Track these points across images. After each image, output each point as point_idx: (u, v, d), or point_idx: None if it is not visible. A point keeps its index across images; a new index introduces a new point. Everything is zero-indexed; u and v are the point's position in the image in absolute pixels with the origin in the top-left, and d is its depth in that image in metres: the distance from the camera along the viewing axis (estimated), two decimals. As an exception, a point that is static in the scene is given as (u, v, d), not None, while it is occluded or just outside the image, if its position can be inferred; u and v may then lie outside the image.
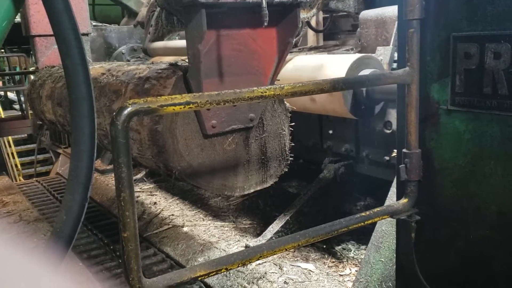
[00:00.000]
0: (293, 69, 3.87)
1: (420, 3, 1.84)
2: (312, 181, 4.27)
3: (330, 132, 4.20)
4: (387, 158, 3.68)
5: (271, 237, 3.75)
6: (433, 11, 1.86)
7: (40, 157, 10.33)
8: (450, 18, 1.82)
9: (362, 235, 3.83)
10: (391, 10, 3.84)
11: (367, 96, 3.48)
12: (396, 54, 3.59)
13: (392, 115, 3.59)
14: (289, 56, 3.92)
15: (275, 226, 3.86)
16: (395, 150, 2.13)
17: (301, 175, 5.06)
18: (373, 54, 3.72)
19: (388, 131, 3.63)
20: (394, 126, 3.56)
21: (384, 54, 3.60)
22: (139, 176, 6.08)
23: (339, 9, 4.34)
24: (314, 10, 3.88)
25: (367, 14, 4.04)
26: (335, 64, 3.54)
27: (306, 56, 3.99)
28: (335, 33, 4.78)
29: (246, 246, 3.77)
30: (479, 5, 1.72)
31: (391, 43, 3.67)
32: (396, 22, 3.68)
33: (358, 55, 3.51)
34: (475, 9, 1.73)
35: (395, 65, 3.57)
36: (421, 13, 1.85)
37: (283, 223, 3.86)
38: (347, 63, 3.41)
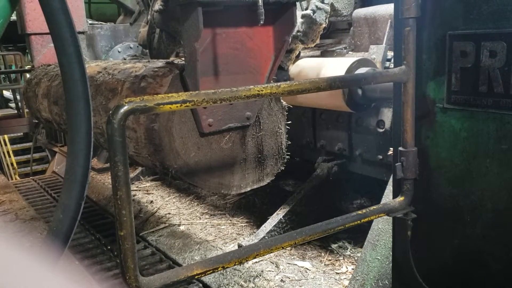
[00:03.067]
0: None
1: (416, 2, 1.85)
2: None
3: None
4: (380, 157, 3.68)
5: (264, 237, 3.74)
6: (429, 10, 1.86)
7: (36, 155, 10.28)
8: (446, 16, 1.82)
9: (359, 233, 3.84)
10: (383, 9, 3.84)
11: (363, 94, 3.49)
12: (389, 53, 3.60)
13: (385, 114, 3.59)
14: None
15: (268, 226, 3.85)
16: (391, 148, 2.14)
17: (297, 173, 5.07)
18: (365, 53, 3.72)
19: (381, 130, 3.64)
20: (387, 125, 3.56)
21: (377, 52, 3.61)
22: (133, 174, 6.07)
23: (337, 20, 4.37)
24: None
25: (360, 13, 4.05)
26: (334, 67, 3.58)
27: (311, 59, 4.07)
28: (331, 31, 4.78)
29: (239, 246, 3.76)
30: (475, 3, 1.72)
31: (384, 42, 3.67)
32: (389, 21, 3.69)
33: (354, 59, 3.52)
34: (471, 7, 1.74)
35: (388, 63, 3.57)
36: (417, 12, 1.86)
37: (276, 222, 3.85)
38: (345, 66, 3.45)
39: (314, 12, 3.70)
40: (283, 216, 3.89)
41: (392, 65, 3.48)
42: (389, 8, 3.79)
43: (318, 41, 3.95)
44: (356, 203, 4.56)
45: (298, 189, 4.22)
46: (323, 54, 4.25)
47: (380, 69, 3.54)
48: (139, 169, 6.11)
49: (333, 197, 4.26)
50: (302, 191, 4.11)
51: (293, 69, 4.01)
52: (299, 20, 3.72)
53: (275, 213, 3.97)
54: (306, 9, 3.78)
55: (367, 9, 4.01)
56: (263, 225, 3.91)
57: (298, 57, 4.14)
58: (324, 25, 3.82)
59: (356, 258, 3.67)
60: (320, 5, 3.73)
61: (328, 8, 3.78)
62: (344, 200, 4.47)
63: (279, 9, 2.55)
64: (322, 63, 3.80)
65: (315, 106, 4.06)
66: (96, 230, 4.64)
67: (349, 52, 4.08)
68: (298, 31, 3.76)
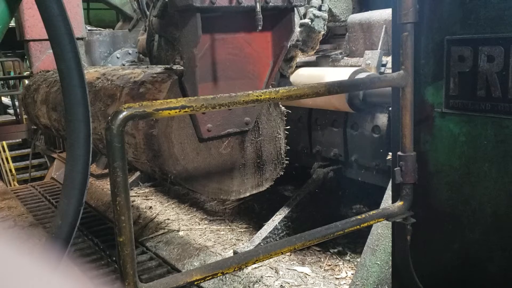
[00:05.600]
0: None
1: (414, 7, 1.86)
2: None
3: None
4: (375, 162, 3.68)
5: (259, 243, 3.72)
6: (427, 15, 1.87)
7: (35, 162, 10.27)
8: (444, 21, 1.83)
9: (358, 238, 3.83)
10: (378, 14, 3.85)
11: (364, 98, 3.50)
12: (383, 58, 3.60)
13: (380, 120, 3.59)
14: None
15: (263, 232, 3.82)
16: (390, 153, 2.14)
17: (297, 178, 5.07)
18: (360, 58, 3.73)
19: (376, 136, 3.63)
20: (383, 131, 3.56)
21: (372, 58, 3.60)
22: (130, 179, 6.04)
23: (336, 26, 4.39)
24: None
25: (354, 18, 4.05)
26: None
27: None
28: (330, 36, 4.79)
29: (235, 253, 3.74)
30: (472, 9, 1.73)
31: (379, 47, 3.67)
32: (384, 26, 3.69)
33: (354, 69, 3.53)
34: (469, 13, 1.74)
35: (383, 69, 3.57)
36: (415, 17, 1.87)
37: (272, 228, 3.83)
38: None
39: (312, 20, 3.72)
40: (279, 223, 3.87)
41: (387, 71, 3.50)
42: (383, 14, 3.79)
43: (317, 48, 3.97)
44: (352, 209, 4.55)
45: (294, 195, 4.21)
46: (318, 60, 4.25)
47: (376, 74, 3.54)
48: (136, 174, 6.09)
49: (329, 203, 4.25)
50: (297, 197, 4.09)
51: (293, 79, 4.03)
52: (297, 29, 3.74)
53: (271, 219, 3.95)
54: (304, 15, 3.79)
55: (362, 15, 4.02)
56: (258, 232, 3.88)
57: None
58: (322, 33, 3.83)
59: (355, 263, 3.66)
60: (317, 13, 3.74)
61: (325, 15, 3.80)
62: (340, 206, 4.45)
63: (277, 14, 2.56)
64: (322, 73, 3.82)
65: (318, 107, 4.04)
66: (95, 236, 4.63)
67: (344, 58, 4.08)
68: (297, 40, 3.78)
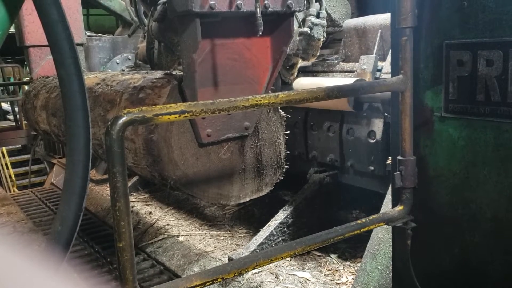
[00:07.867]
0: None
1: (413, 11, 1.86)
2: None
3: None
4: (371, 168, 3.67)
5: (255, 249, 3.69)
6: (426, 19, 1.88)
7: (35, 167, 10.26)
8: (442, 26, 1.84)
9: (359, 243, 3.83)
10: (373, 19, 3.85)
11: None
12: (379, 63, 3.60)
13: (376, 125, 3.59)
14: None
15: (259, 238, 3.78)
16: (390, 158, 2.14)
17: (296, 183, 5.06)
18: (356, 63, 3.74)
19: (372, 141, 3.63)
20: (378, 136, 3.56)
21: (367, 63, 3.59)
22: (129, 184, 6.02)
23: (335, 31, 4.40)
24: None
25: (350, 23, 4.05)
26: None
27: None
28: (329, 41, 4.80)
29: (230, 259, 3.71)
30: (471, 13, 1.73)
31: (374, 52, 3.67)
32: (379, 31, 3.70)
33: (355, 79, 3.53)
34: (467, 17, 1.75)
35: (378, 74, 3.57)
36: (414, 21, 1.87)
37: (267, 234, 3.80)
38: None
39: (311, 29, 3.73)
40: (274, 229, 3.84)
41: (382, 76, 3.50)
42: (379, 19, 3.79)
43: (318, 53, 3.98)
44: (352, 213, 4.54)
45: (290, 200, 4.19)
46: (314, 65, 4.25)
47: (370, 79, 3.53)
48: (135, 178, 6.08)
49: (325, 209, 4.23)
50: (293, 202, 4.07)
51: (294, 87, 4.04)
52: (297, 38, 3.75)
53: (266, 225, 3.92)
54: (303, 22, 3.80)
55: (357, 20, 4.02)
56: (254, 238, 3.86)
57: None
58: (322, 39, 3.84)
59: (356, 268, 3.65)
60: (316, 21, 3.75)
61: (324, 22, 3.81)
62: (337, 212, 4.43)
63: (276, 20, 2.57)
64: (323, 82, 3.82)
65: (319, 107, 4.03)
66: (94, 242, 4.62)
67: (340, 63, 4.08)
68: (298, 49, 3.79)
